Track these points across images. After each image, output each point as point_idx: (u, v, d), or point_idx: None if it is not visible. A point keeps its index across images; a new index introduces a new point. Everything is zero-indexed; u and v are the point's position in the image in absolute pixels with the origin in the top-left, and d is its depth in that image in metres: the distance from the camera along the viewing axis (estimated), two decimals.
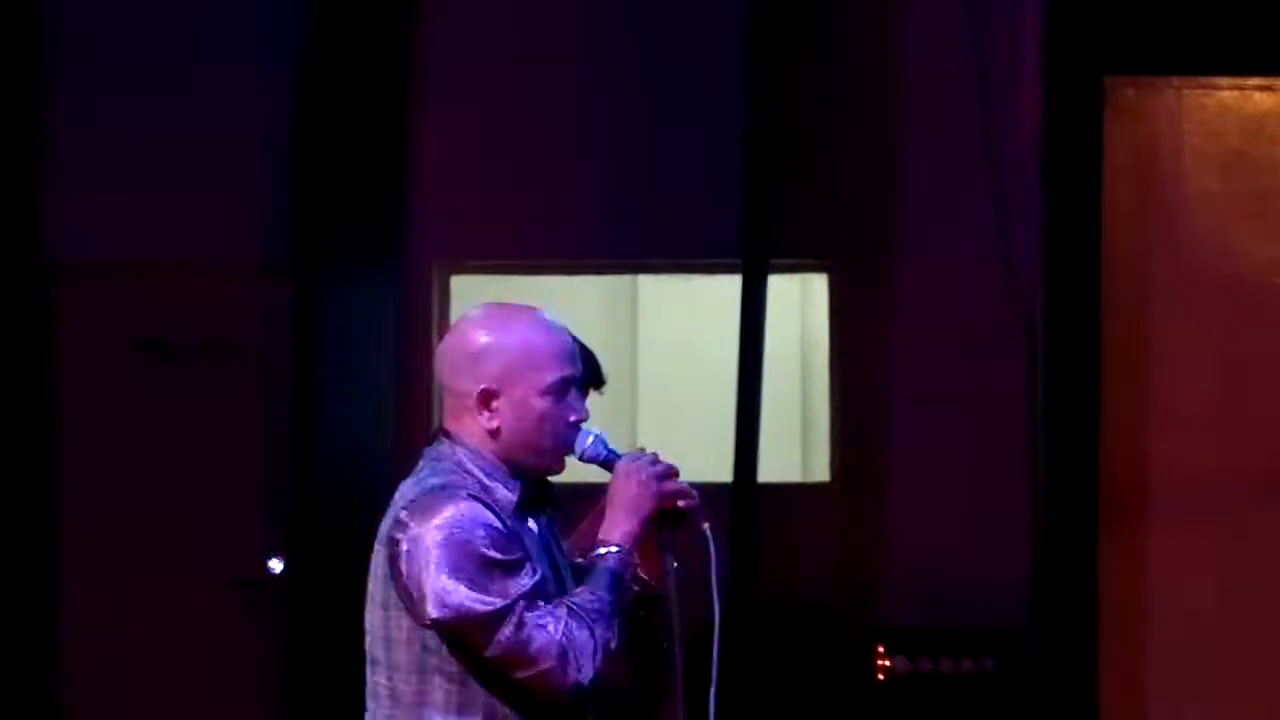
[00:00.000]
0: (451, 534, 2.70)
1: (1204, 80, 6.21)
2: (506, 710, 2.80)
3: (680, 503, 2.88)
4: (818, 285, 7.06)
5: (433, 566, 2.70)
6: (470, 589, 2.69)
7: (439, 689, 2.79)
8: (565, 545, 3.03)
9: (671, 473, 2.89)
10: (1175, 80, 6.29)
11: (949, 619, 6.53)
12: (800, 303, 7.13)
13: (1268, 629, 6.07)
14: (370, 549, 2.90)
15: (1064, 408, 5.99)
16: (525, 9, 6.71)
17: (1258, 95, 6.23)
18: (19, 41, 6.37)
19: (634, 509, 2.83)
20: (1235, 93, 6.19)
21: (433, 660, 2.79)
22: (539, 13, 6.55)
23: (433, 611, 2.72)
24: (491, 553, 2.72)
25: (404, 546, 2.75)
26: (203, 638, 6.36)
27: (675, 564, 2.90)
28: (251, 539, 6.49)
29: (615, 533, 2.82)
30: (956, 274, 6.63)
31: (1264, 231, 6.17)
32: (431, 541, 2.71)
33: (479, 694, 2.80)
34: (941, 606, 6.57)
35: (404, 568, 2.74)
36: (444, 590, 2.70)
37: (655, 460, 2.88)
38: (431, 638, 2.78)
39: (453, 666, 2.81)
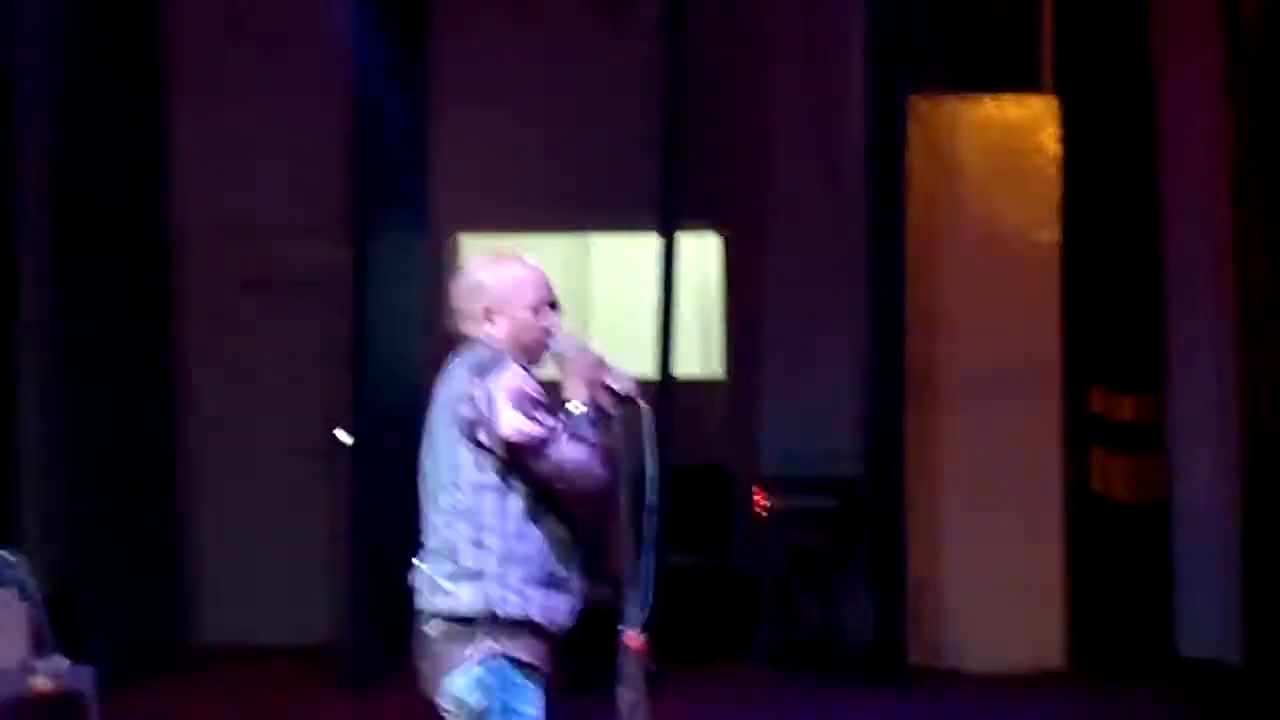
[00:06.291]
0: (512, 385, 3.21)
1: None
2: (539, 510, 3.27)
3: (615, 385, 3.38)
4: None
5: (500, 407, 3.17)
6: (528, 419, 3.18)
7: (488, 499, 3.25)
8: None
9: (603, 361, 3.39)
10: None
11: (805, 471, 8.02)
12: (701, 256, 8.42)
13: (1012, 482, 7.62)
14: (414, 422, 3.41)
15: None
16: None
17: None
18: None
19: (582, 378, 3.37)
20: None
21: (484, 479, 3.24)
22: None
23: (509, 436, 3.14)
24: (537, 396, 3.26)
25: (478, 395, 3.18)
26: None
27: (621, 429, 3.41)
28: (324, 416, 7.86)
29: (578, 395, 3.34)
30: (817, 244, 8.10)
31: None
32: (499, 390, 3.20)
33: (517, 502, 3.26)
34: (800, 462, 8.05)
35: (478, 412, 3.17)
36: (513, 421, 3.16)
37: (587, 348, 3.42)
38: (483, 462, 3.19)
39: (494, 482, 3.23)
